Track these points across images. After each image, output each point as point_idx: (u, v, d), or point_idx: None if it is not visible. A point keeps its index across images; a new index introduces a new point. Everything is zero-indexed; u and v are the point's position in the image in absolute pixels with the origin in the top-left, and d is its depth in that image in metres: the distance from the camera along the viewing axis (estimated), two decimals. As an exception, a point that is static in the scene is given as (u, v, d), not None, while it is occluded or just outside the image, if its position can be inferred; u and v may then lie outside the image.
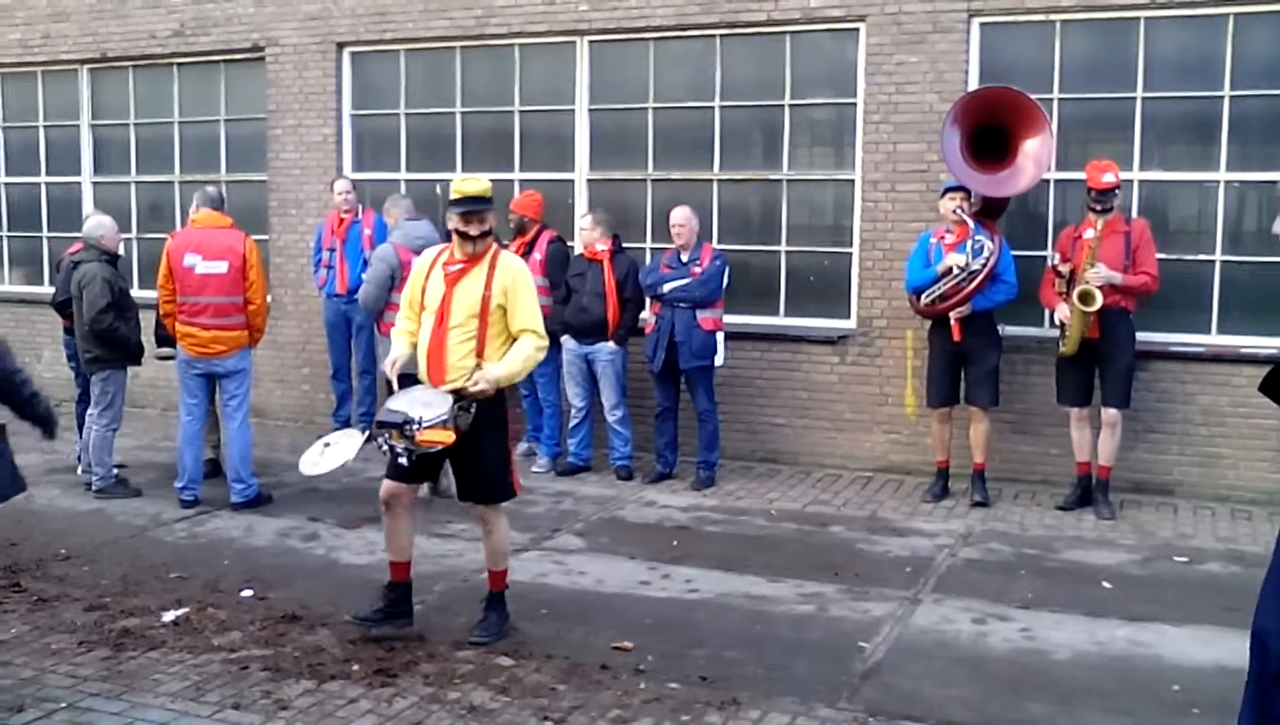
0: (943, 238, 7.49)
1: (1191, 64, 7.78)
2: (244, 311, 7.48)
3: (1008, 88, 7.50)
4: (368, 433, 5.17)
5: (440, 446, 4.90)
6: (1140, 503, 7.63)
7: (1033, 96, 7.44)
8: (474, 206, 5.03)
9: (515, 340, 5.12)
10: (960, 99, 7.61)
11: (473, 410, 4.99)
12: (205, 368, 7.52)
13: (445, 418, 4.87)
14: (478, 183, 5.12)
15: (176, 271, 7.41)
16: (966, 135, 7.44)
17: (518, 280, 5.09)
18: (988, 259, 7.25)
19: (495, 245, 5.18)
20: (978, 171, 7.42)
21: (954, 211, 7.39)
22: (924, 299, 7.47)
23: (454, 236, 5.11)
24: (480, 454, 5.11)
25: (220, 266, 7.38)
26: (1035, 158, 7.38)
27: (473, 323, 5.02)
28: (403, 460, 4.94)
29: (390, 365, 5.16)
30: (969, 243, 7.30)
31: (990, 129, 7.45)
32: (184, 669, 4.89)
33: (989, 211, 7.63)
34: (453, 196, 5.11)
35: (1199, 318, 7.81)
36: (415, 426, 4.80)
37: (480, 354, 5.03)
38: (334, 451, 5.18)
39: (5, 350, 4.96)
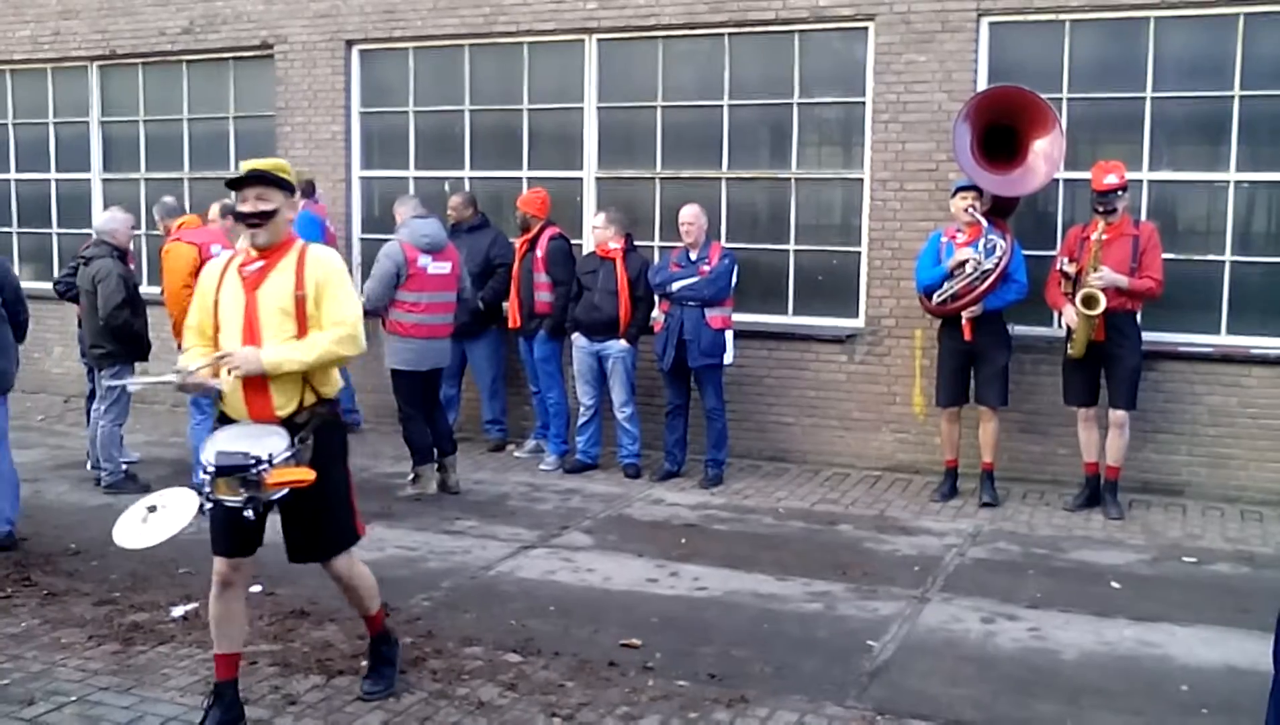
0: (954, 237, 7.47)
1: (1201, 64, 7.76)
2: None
3: (1018, 87, 7.49)
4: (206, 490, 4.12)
5: (298, 485, 4.01)
6: (1149, 503, 7.61)
7: (1042, 96, 7.44)
8: (251, 177, 4.21)
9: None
10: (972, 98, 7.60)
11: (310, 440, 4.15)
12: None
13: (294, 451, 4.05)
14: (268, 161, 4.34)
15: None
16: (977, 134, 7.43)
17: (330, 273, 4.25)
18: (1000, 258, 7.24)
19: (300, 239, 4.37)
20: (989, 171, 7.41)
21: (966, 210, 7.37)
22: (936, 298, 7.46)
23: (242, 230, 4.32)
24: (322, 493, 4.18)
25: None
26: (1047, 157, 7.37)
27: (290, 326, 4.17)
28: (249, 513, 3.97)
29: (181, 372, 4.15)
30: (981, 241, 7.29)
31: (1000, 129, 7.45)
32: (193, 663, 4.90)
33: (998, 211, 7.61)
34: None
35: (1208, 318, 7.80)
36: (265, 467, 3.91)
37: None
38: (162, 518, 4.14)
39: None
